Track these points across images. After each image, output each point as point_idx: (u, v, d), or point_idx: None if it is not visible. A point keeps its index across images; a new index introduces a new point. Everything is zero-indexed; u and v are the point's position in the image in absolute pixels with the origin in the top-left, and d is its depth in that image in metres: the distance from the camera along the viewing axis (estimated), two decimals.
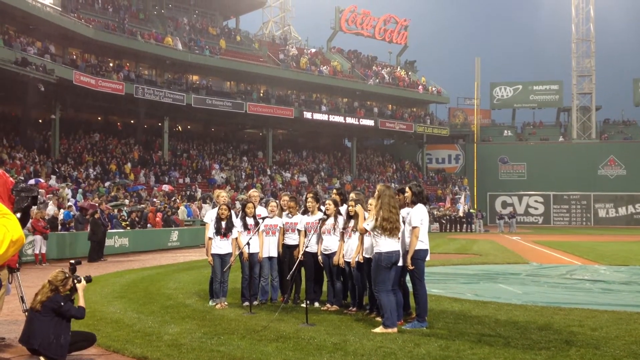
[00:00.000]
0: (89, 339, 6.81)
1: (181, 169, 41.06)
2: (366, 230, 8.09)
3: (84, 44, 38.50)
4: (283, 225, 10.25)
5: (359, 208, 8.84)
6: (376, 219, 7.87)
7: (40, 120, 39.17)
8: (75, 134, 39.15)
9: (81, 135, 39.42)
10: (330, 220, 9.49)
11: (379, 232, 7.83)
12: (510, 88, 63.69)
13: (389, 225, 7.79)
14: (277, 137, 52.68)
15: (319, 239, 9.66)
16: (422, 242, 8.14)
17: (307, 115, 47.65)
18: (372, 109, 54.55)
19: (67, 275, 6.66)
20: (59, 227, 21.70)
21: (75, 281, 6.71)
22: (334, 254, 9.38)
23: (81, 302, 6.67)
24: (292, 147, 54.02)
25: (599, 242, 29.42)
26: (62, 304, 6.45)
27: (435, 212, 45.38)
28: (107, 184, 32.55)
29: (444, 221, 45.24)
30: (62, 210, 23.30)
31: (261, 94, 48.28)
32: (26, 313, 7.05)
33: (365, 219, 8.73)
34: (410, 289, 8.55)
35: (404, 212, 8.35)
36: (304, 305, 9.04)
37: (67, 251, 20.31)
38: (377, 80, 55.02)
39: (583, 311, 9.25)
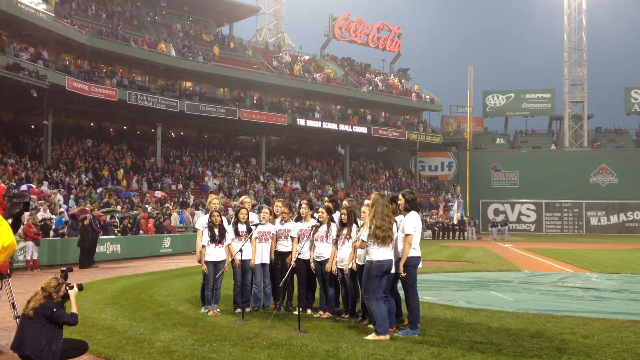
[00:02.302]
0: (81, 347, 6.77)
1: (174, 175, 40.98)
2: (365, 242, 8.04)
3: (77, 50, 38.41)
4: (276, 232, 10.24)
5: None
6: (370, 227, 7.89)
7: (32, 126, 39.09)
8: (68, 140, 39.02)
9: (73, 141, 39.29)
10: (323, 228, 9.49)
11: (372, 240, 7.85)
12: (502, 96, 63.97)
13: (381, 234, 7.80)
14: (270, 144, 52.66)
15: (312, 246, 9.65)
16: (414, 250, 8.15)
17: (301, 122, 47.66)
18: (365, 116, 54.63)
19: (60, 281, 6.64)
20: (52, 233, 21.60)
21: (67, 288, 6.69)
22: (326, 261, 9.38)
23: (74, 308, 6.64)
24: (285, 154, 54.03)
25: (591, 250, 29.51)
26: (55, 310, 6.42)
27: (428, 220, 45.44)
28: (99, 190, 32.44)
29: (436, 228, 45.30)
30: (54, 216, 23.22)
31: (254, 101, 48.29)
32: (17, 319, 7.02)
33: (358, 226, 8.75)
34: (403, 296, 8.55)
35: (397, 219, 8.36)
36: (296, 312, 9.05)
37: (58, 257, 20.23)
38: (371, 88, 55.14)
39: (575, 319, 9.28)
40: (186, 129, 48.63)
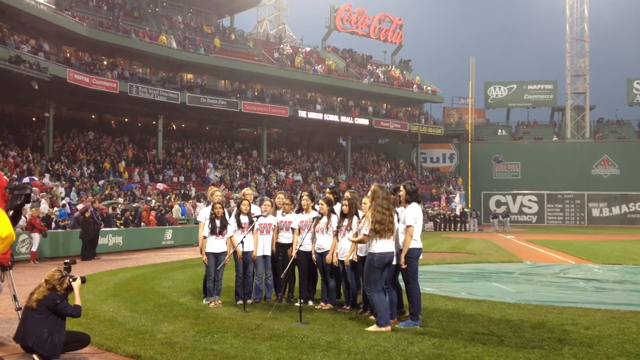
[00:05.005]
0: (83, 340, 6.79)
1: (175, 168, 41.00)
2: (367, 236, 8.03)
3: (78, 42, 38.35)
4: (277, 223, 10.24)
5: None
6: (371, 222, 7.88)
7: (33, 119, 39.09)
8: (69, 132, 39.03)
9: (75, 134, 39.29)
10: (324, 219, 9.48)
11: (372, 234, 7.85)
12: (504, 87, 63.78)
13: (380, 227, 7.80)
14: (271, 136, 52.63)
15: (313, 238, 9.65)
16: (416, 241, 8.14)
17: (302, 114, 47.61)
18: (366, 108, 54.56)
19: (63, 274, 6.66)
20: (53, 225, 21.63)
21: (71, 280, 6.71)
22: (327, 252, 9.37)
23: (77, 300, 6.67)
24: (286, 146, 54.00)
25: (593, 241, 29.50)
26: (58, 302, 6.45)
27: (430, 211, 45.45)
28: (101, 182, 32.46)
29: (438, 220, 45.33)
30: (55, 209, 23.24)
31: (256, 93, 48.22)
32: (19, 311, 7.04)
33: (359, 218, 8.74)
34: (404, 288, 8.55)
35: (397, 210, 8.35)
36: (297, 303, 9.06)
37: (60, 250, 20.27)
38: (372, 79, 55.03)
39: (576, 310, 9.28)
40: (187, 121, 48.60)
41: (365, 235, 8.04)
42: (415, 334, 7.49)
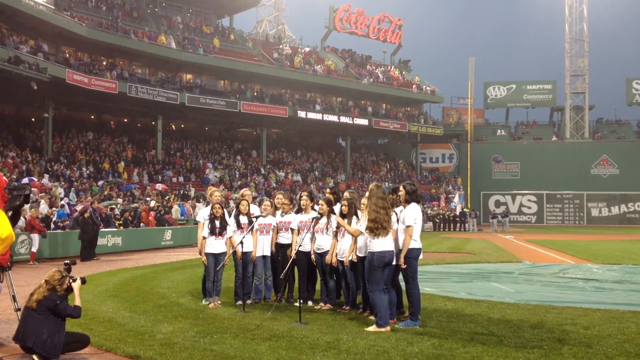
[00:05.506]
0: (83, 340, 6.79)
1: (175, 168, 40.98)
2: (361, 233, 8.11)
3: (77, 42, 38.32)
4: (276, 224, 10.23)
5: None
6: (367, 220, 7.92)
7: (33, 119, 39.06)
8: (69, 133, 39.02)
9: (74, 134, 39.28)
10: (324, 220, 9.48)
11: (367, 232, 7.88)
12: (504, 87, 63.81)
13: (374, 226, 7.81)
14: (271, 136, 52.62)
15: (313, 238, 9.65)
16: (415, 241, 8.14)
17: (301, 114, 47.62)
18: (366, 108, 54.56)
19: (63, 274, 6.67)
20: (52, 226, 21.62)
21: (71, 281, 6.71)
22: (327, 252, 9.37)
23: (77, 301, 6.67)
24: (286, 146, 54.00)
25: (592, 241, 29.50)
26: (59, 302, 6.45)
27: (429, 211, 45.47)
28: (100, 182, 32.44)
29: (437, 220, 45.34)
30: (54, 209, 23.23)
31: (255, 93, 48.22)
32: (18, 312, 7.03)
33: (358, 218, 8.76)
34: (404, 288, 8.55)
35: (397, 210, 8.36)
36: (297, 304, 9.06)
37: (59, 250, 20.26)
38: (371, 80, 55.02)
39: (576, 310, 9.28)
40: (187, 122, 48.58)
41: (360, 231, 8.09)
42: (415, 334, 7.49)
